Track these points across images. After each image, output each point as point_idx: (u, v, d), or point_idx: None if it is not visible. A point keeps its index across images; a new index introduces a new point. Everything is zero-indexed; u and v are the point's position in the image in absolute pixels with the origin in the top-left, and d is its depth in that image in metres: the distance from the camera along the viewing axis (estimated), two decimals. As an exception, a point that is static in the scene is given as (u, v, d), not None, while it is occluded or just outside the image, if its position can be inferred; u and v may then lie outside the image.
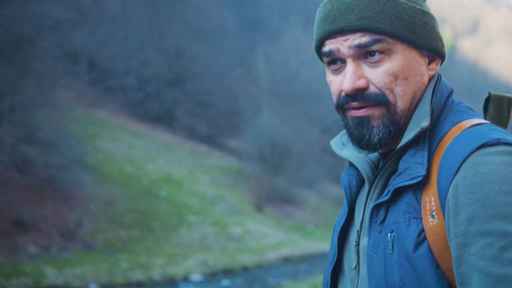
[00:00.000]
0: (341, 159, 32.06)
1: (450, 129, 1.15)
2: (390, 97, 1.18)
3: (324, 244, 21.02)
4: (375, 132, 1.18)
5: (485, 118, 1.30)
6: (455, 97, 1.27)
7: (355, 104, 1.19)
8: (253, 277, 15.79)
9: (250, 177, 27.16)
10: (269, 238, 20.73)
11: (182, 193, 22.06)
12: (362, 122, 1.19)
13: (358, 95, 1.18)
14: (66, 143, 18.32)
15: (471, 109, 1.24)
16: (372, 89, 1.18)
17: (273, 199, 26.44)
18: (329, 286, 1.33)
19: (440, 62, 1.28)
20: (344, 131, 1.37)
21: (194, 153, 28.51)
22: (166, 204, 20.15)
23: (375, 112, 1.18)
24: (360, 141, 1.21)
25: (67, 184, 17.23)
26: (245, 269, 16.67)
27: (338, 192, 32.23)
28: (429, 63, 1.26)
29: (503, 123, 1.27)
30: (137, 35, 31.01)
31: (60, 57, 21.30)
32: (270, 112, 31.33)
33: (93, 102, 25.73)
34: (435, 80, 1.24)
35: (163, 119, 30.85)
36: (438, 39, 1.25)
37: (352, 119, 1.21)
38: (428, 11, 1.23)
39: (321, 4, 1.25)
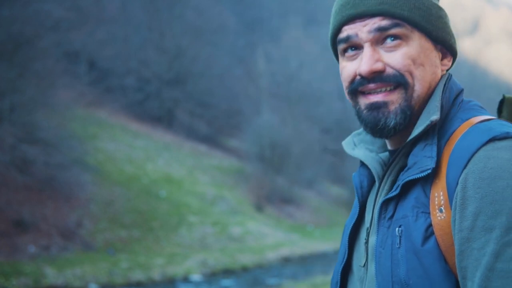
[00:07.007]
0: (341, 159, 32.05)
1: (459, 126, 1.16)
2: (409, 79, 1.20)
3: (324, 244, 21.02)
4: (391, 116, 1.20)
5: None
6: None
7: (372, 86, 1.21)
8: (253, 277, 15.78)
9: (250, 177, 27.13)
10: (269, 238, 20.72)
11: (182, 193, 22.06)
12: (379, 106, 1.21)
13: (376, 77, 1.20)
14: (66, 143, 18.32)
15: (481, 107, 1.25)
16: (390, 71, 1.20)
17: (273, 199, 26.43)
18: (338, 285, 1.34)
19: (452, 59, 1.30)
20: (356, 132, 1.40)
21: (194, 153, 28.50)
22: (166, 204, 20.15)
23: (393, 96, 1.20)
24: (375, 126, 1.21)
25: (67, 184, 17.23)
26: (245, 269, 16.67)
27: (338, 192, 32.23)
28: (441, 59, 1.28)
29: None
30: (137, 35, 31.00)
31: (60, 57, 21.31)
32: (270, 112, 31.33)
33: (93, 102, 25.70)
34: (446, 77, 1.25)
35: (163, 119, 30.85)
36: (451, 35, 1.28)
37: (366, 104, 1.23)
38: (442, 8, 1.27)
39: None
